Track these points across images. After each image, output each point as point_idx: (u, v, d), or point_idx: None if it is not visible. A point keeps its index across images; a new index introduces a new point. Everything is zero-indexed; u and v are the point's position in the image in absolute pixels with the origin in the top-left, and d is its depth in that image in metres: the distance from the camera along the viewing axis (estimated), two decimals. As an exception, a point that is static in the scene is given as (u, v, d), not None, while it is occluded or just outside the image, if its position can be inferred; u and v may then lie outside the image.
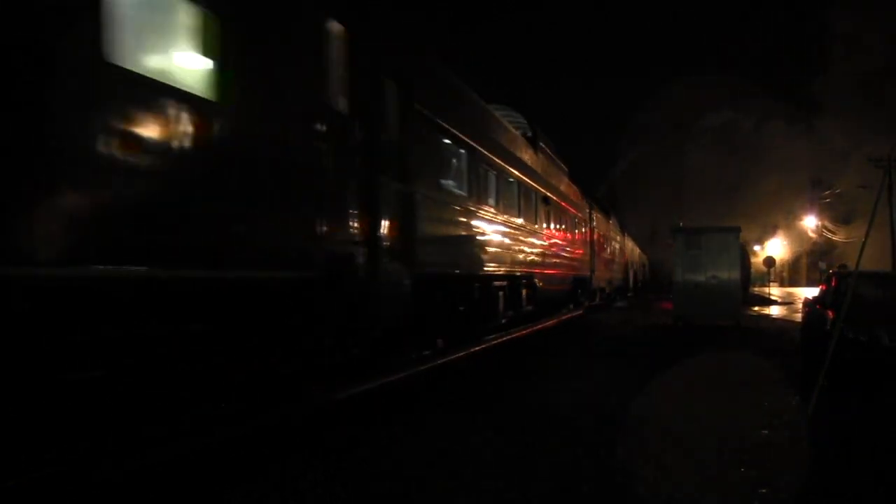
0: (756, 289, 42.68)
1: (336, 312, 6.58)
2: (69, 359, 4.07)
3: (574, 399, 7.48)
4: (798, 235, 63.85)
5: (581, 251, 21.08)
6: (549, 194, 16.23)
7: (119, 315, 4.31)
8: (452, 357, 9.84)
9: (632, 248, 43.26)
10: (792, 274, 79.64)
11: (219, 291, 5.02)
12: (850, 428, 6.26)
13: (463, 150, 10.32)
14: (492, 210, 11.69)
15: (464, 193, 10.30)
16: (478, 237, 10.98)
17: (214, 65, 4.95)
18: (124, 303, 4.33)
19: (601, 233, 25.37)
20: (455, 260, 9.95)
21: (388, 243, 7.43)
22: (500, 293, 12.38)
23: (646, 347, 12.71)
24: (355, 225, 6.80)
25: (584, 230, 21.67)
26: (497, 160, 11.99)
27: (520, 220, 13.50)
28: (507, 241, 12.63)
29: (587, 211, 22.83)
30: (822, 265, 41.56)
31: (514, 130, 14.14)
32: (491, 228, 11.63)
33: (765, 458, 5.15)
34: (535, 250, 14.87)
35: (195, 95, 4.77)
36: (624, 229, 38.03)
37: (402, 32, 8.75)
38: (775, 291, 47.40)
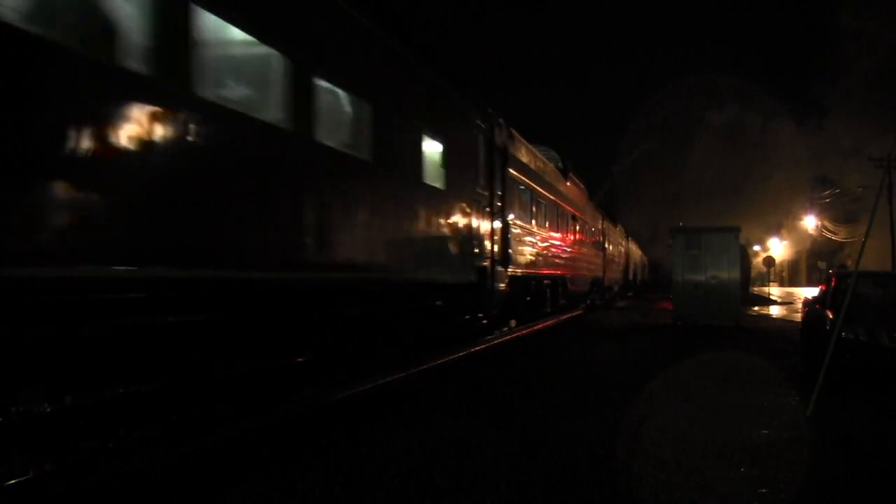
0: (756, 289, 42.70)
1: (478, 300, 11.49)
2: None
3: (574, 399, 7.49)
4: (800, 236, 63.87)
5: (596, 256, 25.39)
6: (575, 213, 20.78)
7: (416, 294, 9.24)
8: (452, 357, 9.86)
9: (633, 250, 44.10)
10: (792, 274, 79.72)
11: (448, 287, 10.21)
12: (850, 428, 6.26)
13: (526, 189, 14.80)
14: (543, 229, 16.45)
15: (528, 219, 14.96)
16: (536, 249, 15.56)
17: (444, 170, 9.77)
18: (428, 289, 9.55)
19: (611, 240, 29.75)
20: (525, 266, 14.37)
21: (498, 258, 12.15)
22: (548, 290, 17.31)
23: (646, 348, 12.71)
24: (486, 249, 11.57)
25: (598, 239, 26.02)
26: (544, 192, 16.55)
27: (558, 236, 18.19)
28: (551, 251, 17.18)
29: (600, 222, 26.95)
30: (822, 265, 41.56)
31: (551, 165, 18.33)
32: (542, 243, 16.30)
33: (765, 458, 5.15)
34: (567, 258, 19.37)
35: (439, 188, 9.68)
36: (627, 233, 40.74)
37: (501, 116, 12.93)
38: (775, 291, 47.46)
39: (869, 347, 8.22)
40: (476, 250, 11.09)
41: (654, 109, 63.33)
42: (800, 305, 19.36)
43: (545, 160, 17.27)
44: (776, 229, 63.56)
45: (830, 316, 8.73)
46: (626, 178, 66.49)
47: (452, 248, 10.15)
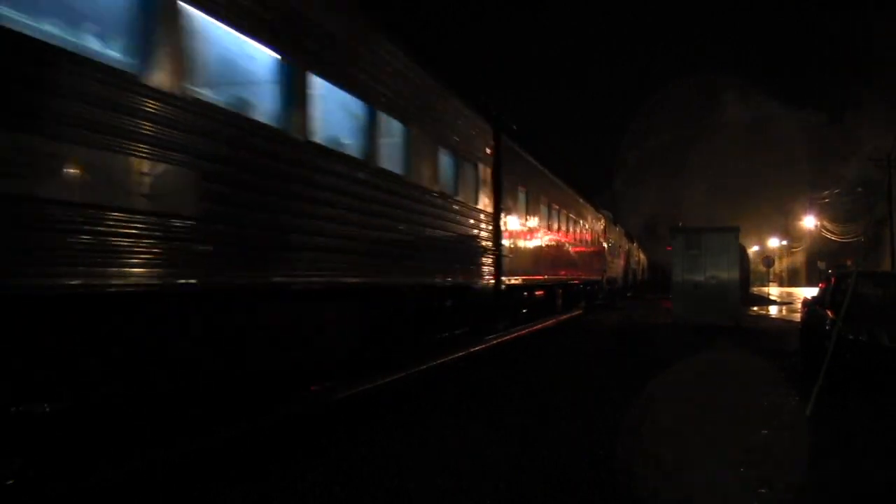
0: (756, 289, 42.75)
1: (597, 291, 26.53)
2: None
3: (574, 399, 7.49)
4: (801, 236, 63.82)
5: (623, 264, 37.83)
6: (619, 242, 34.40)
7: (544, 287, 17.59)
8: (451, 357, 9.86)
9: (638, 253, 45.94)
10: (791, 275, 79.71)
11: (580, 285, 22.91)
12: (850, 428, 6.26)
13: (608, 238, 28.71)
14: (611, 256, 29.79)
15: (610, 251, 29.19)
16: (612, 265, 30.03)
17: (593, 235, 25.81)
18: (590, 282, 24.92)
19: (629, 252, 41.80)
20: (608, 272, 28.68)
21: (604, 269, 27.45)
22: (612, 284, 30.43)
23: (646, 348, 12.72)
24: (599, 267, 26.10)
25: (625, 254, 38.63)
26: (611, 237, 30.33)
27: (613, 257, 31.30)
28: (613, 265, 31.17)
29: (626, 244, 39.44)
30: (822, 265, 41.53)
31: (610, 219, 30.24)
32: (610, 261, 29.78)
33: (765, 458, 5.16)
34: (616, 267, 32.67)
35: (596, 246, 26.33)
36: (635, 242, 47.73)
37: (607, 210, 30.69)
38: (774, 291, 47.43)
39: (869, 347, 8.21)
40: (601, 265, 26.45)
41: (654, 109, 63.39)
42: (799, 306, 19.36)
43: (607, 217, 29.57)
44: (781, 232, 63.58)
45: (830, 316, 8.73)
46: (627, 177, 66.56)
47: (596, 264, 24.72)
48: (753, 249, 57.94)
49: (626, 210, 50.35)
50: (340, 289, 6.76)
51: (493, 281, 11.72)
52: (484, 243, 11.28)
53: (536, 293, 16.29)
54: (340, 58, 6.86)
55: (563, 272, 18.58)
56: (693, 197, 57.60)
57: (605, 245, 27.48)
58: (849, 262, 40.18)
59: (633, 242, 43.38)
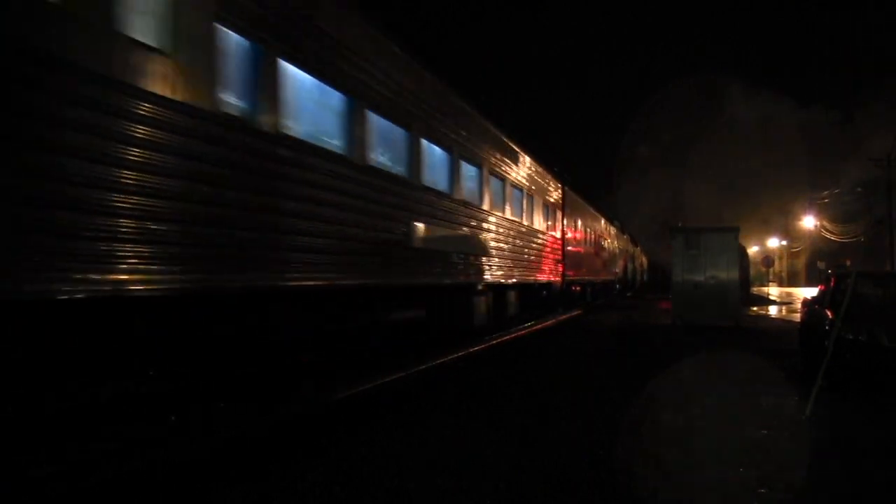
0: (756, 289, 42.78)
1: (611, 289, 33.39)
2: None
3: (574, 399, 7.49)
4: (801, 237, 63.83)
5: (624, 266, 41.76)
6: (627, 248, 40.25)
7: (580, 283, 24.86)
8: (451, 357, 9.87)
9: (640, 256, 46.84)
10: (791, 275, 79.73)
11: (601, 283, 29.48)
12: (850, 428, 6.26)
13: (622, 247, 37.73)
14: (620, 258, 36.27)
15: (619, 256, 36.03)
16: (620, 266, 36.53)
17: (612, 247, 33.81)
18: (609, 281, 32.80)
19: (633, 255, 46.94)
20: (619, 272, 35.72)
21: (616, 271, 34.56)
22: (621, 281, 37.64)
23: (646, 348, 12.72)
24: (612, 270, 32.85)
25: (627, 257, 42.73)
26: (622, 244, 37.60)
27: (621, 260, 36.64)
28: (624, 266, 38.43)
29: (630, 248, 44.37)
30: (822, 265, 41.52)
31: (619, 228, 35.58)
32: (622, 264, 37.42)
33: (765, 458, 5.16)
34: (623, 267, 37.66)
35: (618, 249, 36.16)
36: (639, 246, 51.50)
37: (633, 234, 46.95)
38: (774, 291, 47.44)
39: (869, 347, 8.21)
40: (616, 267, 33.65)
41: (655, 109, 63.52)
42: (798, 306, 19.36)
43: (618, 227, 34.91)
44: (781, 232, 63.59)
45: (830, 316, 8.72)
46: (627, 177, 66.61)
47: (611, 267, 31.20)
48: (753, 249, 57.98)
49: (626, 210, 50.59)
50: (512, 284, 14.01)
51: (561, 280, 19.25)
52: (557, 256, 18.79)
53: (577, 289, 23.60)
54: (517, 170, 14.54)
55: (592, 274, 25.98)
56: (693, 197, 57.66)
57: (616, 251, 34.43)
58: (847, 262, 40.20)
59: (636, 246, 49.12)
